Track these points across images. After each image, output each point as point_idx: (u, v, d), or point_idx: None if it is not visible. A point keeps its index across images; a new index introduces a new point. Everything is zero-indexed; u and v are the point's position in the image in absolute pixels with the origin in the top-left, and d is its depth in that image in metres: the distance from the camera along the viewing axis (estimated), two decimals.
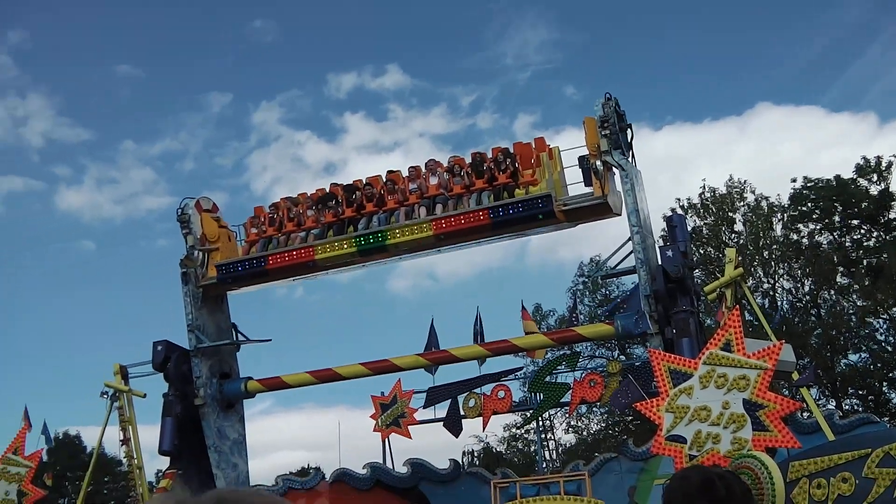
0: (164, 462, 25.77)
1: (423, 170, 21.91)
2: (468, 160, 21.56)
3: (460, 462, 31.87)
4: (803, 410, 23.11)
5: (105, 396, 26.47)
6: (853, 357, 41.71)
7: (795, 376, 18.79)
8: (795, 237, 44.14)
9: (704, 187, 45.78)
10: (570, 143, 22.43)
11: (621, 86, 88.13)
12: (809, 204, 43.49)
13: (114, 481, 59.36)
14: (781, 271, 44.29)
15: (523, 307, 23.56)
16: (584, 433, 47.67)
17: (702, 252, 43.13)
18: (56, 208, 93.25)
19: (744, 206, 45.25)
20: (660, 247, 20.15)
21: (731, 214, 45.04)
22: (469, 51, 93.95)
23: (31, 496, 22.84)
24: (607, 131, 18.61)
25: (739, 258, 22.50)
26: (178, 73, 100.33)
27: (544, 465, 34.38)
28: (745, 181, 45.80)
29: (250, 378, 24.68)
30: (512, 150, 21.23)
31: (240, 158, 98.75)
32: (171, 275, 24.69)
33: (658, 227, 39.78)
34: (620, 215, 19.55)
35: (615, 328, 19.49)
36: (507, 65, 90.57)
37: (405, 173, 22.48)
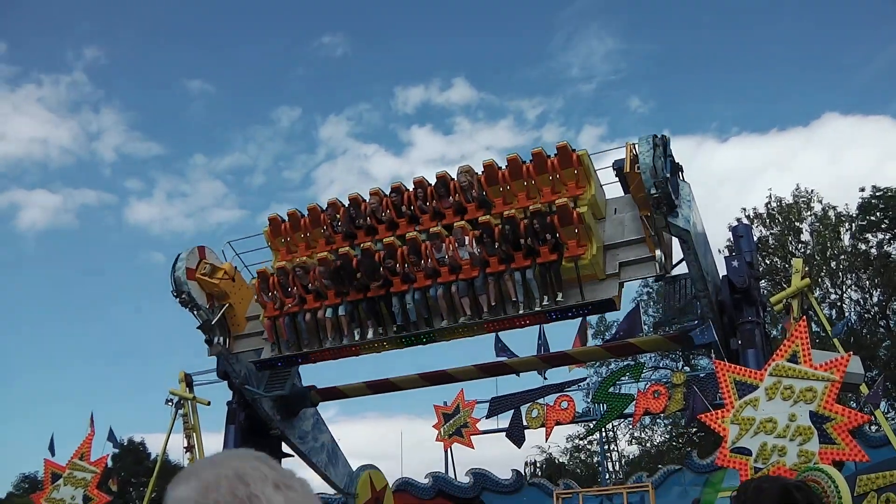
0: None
1: (448, 237, 19.84)
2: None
3: (523, 472, 31.87)
4: (871, 423, 22.81)
5: (170, 404, 26.78)
6: None
7: (864, 389, 18.53)
8: (864, 247, 43.47)
9: (771, 197, 45.34)
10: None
11: (686, 97, 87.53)
12: (878, 213, 42.78)
13: None
14: (849, 282, 43.68)
15: (584, 320, 23.47)
16: (648, 444, 47.35)
17: (768, 262, 42.69)
18: (127, 221, 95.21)
19: (811, 215, 44.72)
20: (725, 257, 19.97)
21: (797, 224, 44.52)
22: (535, 62, 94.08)
23: (97, 501, 23.23)
24: (659, 191, 17.18)
25: (806, 268, 22.27)
26: (248, 88, 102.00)
27: (607, 477, 34.26)
28: (812, 190, 45.30)
29: (314, 387, 24.82)
30: (545, 212, 18.95)
31: (308, 172, 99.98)
32: (263, 261, 24.17)
33: (724, 237, 39.42)
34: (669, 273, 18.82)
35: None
36: (573, 76, 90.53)
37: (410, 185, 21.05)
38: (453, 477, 29.34)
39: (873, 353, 38.18)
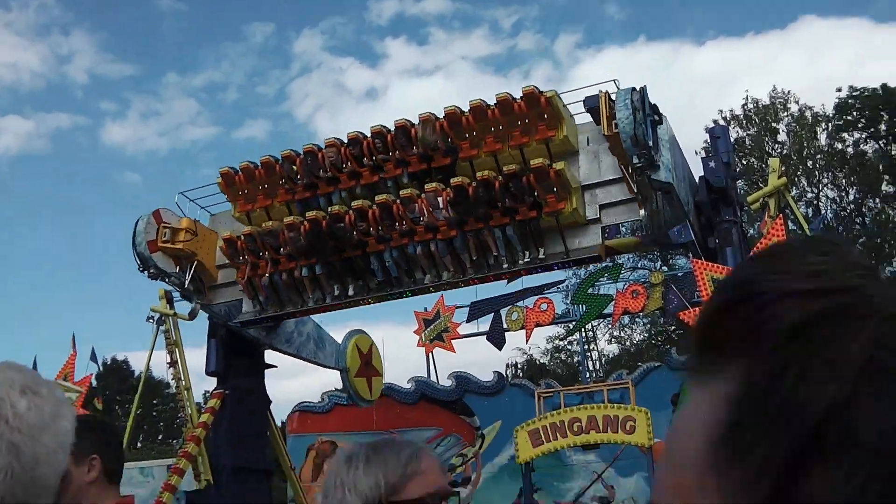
0: (212, 382, 26.37)
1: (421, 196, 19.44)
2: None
3: (504, 374, 32.35)
4: None
5: (151, 321, 26.75)
6: None
7: None
8: (840, 146, 43.63)
9: (747, 98, 45.27)
10: (614, 62, 21.02)
11: (662, 2, 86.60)
12: (855, 113, 42.82)
13: (162, 403, 60.62)
14: (826, 181, 43.92)
15: None
16: (627, 343, 47.95)
17: (745, 163, 42.79)
18: (101, 143, 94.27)
19: (787, 116, 44.74)
20: (702, 158, 20.03)
21: (774, 125, 44.54)
22: None
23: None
24: (642, 161, 16.91)
25: (783, 168, 22.32)
26: (220, 4, 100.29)
27: (588, 376, 34.75)
28: (788, 91, 45.23)
29: None
30: (520, 173, 18.59)
31: (282, 87, 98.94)
32: (217, 203, 24.19)
33: (701, 139, 39.41)
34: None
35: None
36: None
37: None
38: (435, 381, 29.75)
39: None
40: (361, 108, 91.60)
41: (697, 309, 15.23)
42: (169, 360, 26.49)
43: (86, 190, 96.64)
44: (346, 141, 20.40)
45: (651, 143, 16.71)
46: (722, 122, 42.41)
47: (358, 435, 29.55)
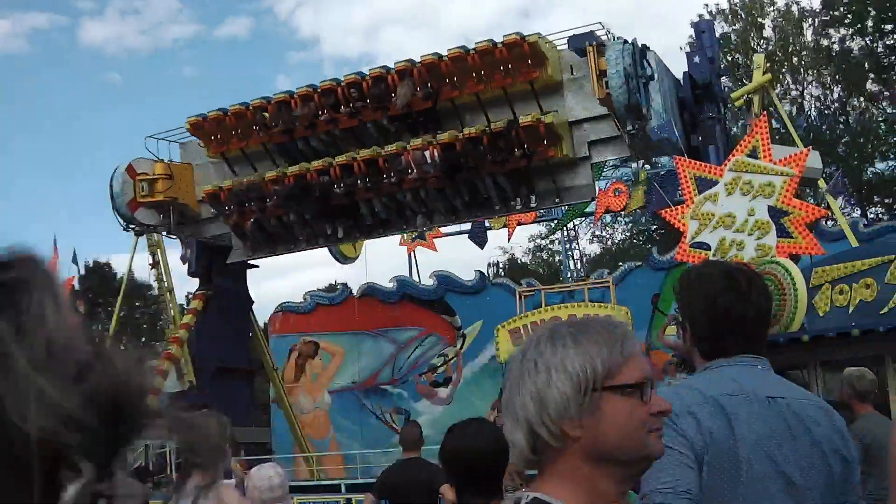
0: (195, 284, 26.36)
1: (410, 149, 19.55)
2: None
3: (486, 273, 32.47)
4: (828, 218, 23.17)
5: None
6: (881, 165, 41.43)
7: (822, 184, 18.72)
8: (826, 43, 43.21)
9: None
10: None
11: None
12: (842, 8, 42.32)
13: (145, 305, 60.76)
14: (810, 78, 43.60)
15: None
16: (609, 243, 48.06)
17: (729, 59, 42.33)
18: (80, 42, 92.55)
19: (773, 10, 44.18)
20: (686, 52, 19.84)
21: (760, 20, 44.00)
22: None
23: None
24: (638, 130, 16.99)
25: (768, 65, 22.11)
26: None
27: (569, 275, 34.84)
28: None
29: None
30: (509, 128, 18.74)
31: None
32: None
33: (686, 34, 38.92)
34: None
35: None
36: None
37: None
38: (417, 280, 29.83)
39: (832, 149, 38.47)
40: (345, 4, 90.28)
41: (680, 207, 15.18)
42: (151, 262, 26.46)
43: (65, 90, 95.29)
44: (319, 89, 20.14)
45: (645, 109, 16.82)
46: (707, 17, 41.89)
47: (340, 335, 29.76)
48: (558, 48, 19.04)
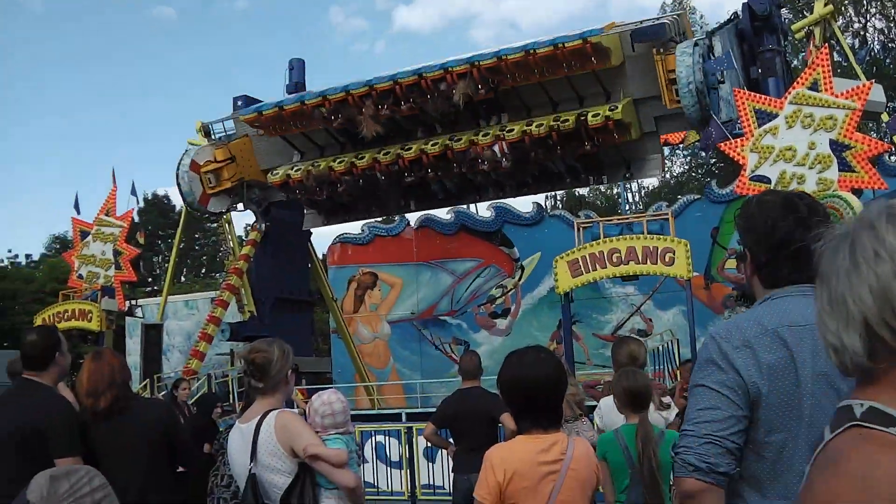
0: (252, 216, 26.81)
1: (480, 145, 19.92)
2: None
3: (543, 206, 32.64)
4: (891, 153, 22.99)
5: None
6: None
7: (885, 117, 18.59)
8: None
9: None
10: None
11: None
12: None
13: (204, 237, 61.59)
14: (874, 10, 42.75)
15: None
16: (667, 176, 47.88)
17: None
18: None
19: None
20: None
21: None
22: None
23: (127, 254, 23.86)
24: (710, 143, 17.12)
25: None
26: None
27: (627, 208, 34.82)
28: None
29: None
30: (577, 127, 19.07)
31: None
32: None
33: None
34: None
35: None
36: None
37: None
38: (475, 212, 30.09)
39: (895, 83, 37.85)
40: None
41: (740, 140, 15.26)
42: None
43: (119, 22, 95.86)
44: (377, 89, 20.24)
45: (716, 116, 16.99)
46: None
47: (398, 266, 30.15)
48: (621, 31, 19.13)
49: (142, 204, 53.66)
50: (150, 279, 58.25)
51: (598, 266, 16.13)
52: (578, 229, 16.81)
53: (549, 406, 3.89)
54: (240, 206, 25.48)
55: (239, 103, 25.24)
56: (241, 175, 23.95)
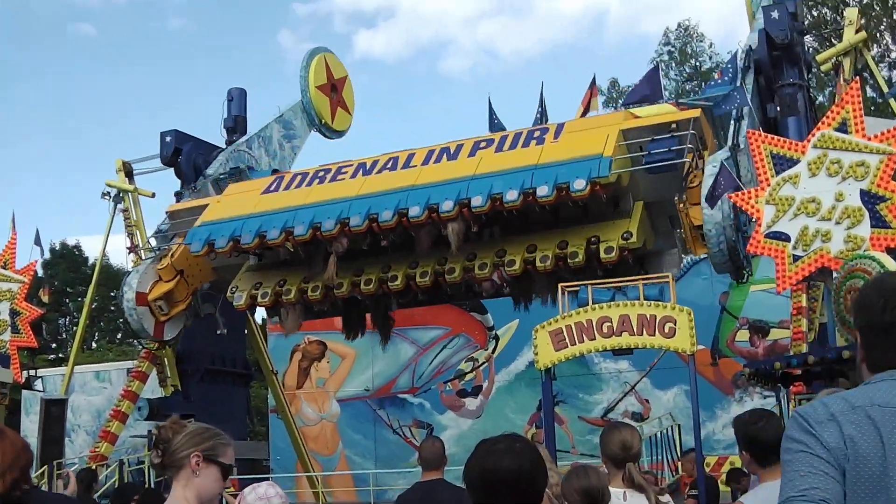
0: None
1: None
2: None
3: None
4: None
5: (107, 198, 26.88)
6: None
7: None
8: None
9: None
10: None
11: None
12: None
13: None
14: None
15: (593, 82, 23.03)
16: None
17: (815, 14, 42.14)
18: None
19: None
20: (764, 6, 19.69)
21: None
22: None
23: (27, 315, 23.22)
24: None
25: (862, 21, 22.03)
26: None
27: None
28: None
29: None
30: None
31: None
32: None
33: None
34: None
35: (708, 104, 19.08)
36: None
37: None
38: None
39: None
40: None
41: (753, 190, 15.18)
42: (129, 245, 26.63)
43: (32, 44, 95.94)
44: (349, 227, 20.31)
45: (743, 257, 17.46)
46: None
47: None
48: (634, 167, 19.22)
49: (47, 255, 53.40)
50: (53, 345, 57.85)
51: (585, 337, 15.94)
52: (563, 293, 16.61)
53: (536, 501, 3.76)
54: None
55: (167, 139, 25.21)
56: (194, 287, 23.79)
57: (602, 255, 18.34)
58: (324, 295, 21.06)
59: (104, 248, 29.45)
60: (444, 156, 20.42)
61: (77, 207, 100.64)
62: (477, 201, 18.56)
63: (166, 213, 24.06)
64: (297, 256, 21.46)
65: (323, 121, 27.63)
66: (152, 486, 22.23)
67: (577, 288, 16.36)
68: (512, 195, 18.30)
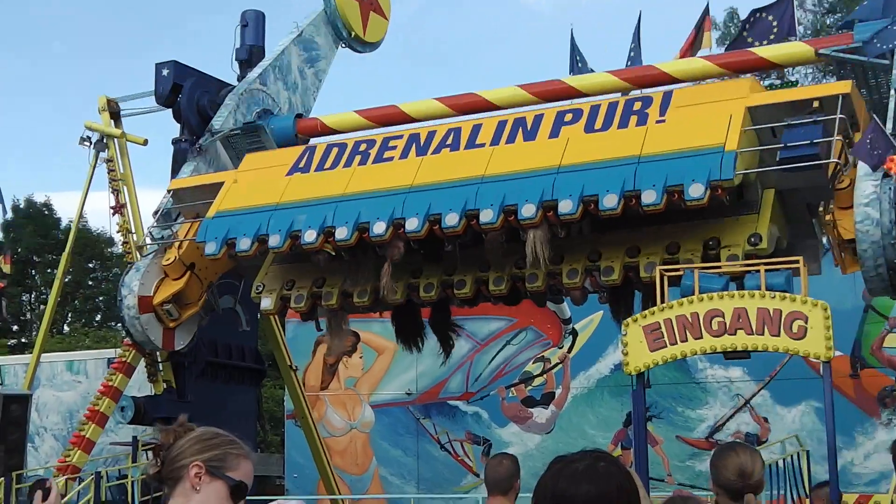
0: None
1: None
2: None
3: None
4: None
5: (87, 144, 26.78)
6: None
7: None
8: None
9: None
10: None
11: None
12: None
13: (103, 267, 61.44)
14: None
15: (706, 12, 22.68)
16: None
17: None
18: None
19: None
20: None
21: None
22: None
23: None
24: None
25: None
26: None
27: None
28: None
29: (301, 116, 24.78)
30: None
31: None
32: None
33: None
34: None
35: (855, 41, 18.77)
36: None
37: None
38: None
39: None
40: None
41: None
42: (114, 203, 26.58)
43: None
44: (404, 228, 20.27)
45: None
46: None
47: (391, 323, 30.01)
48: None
49: (10, 215, 53.67)
50: (15, 327, 58.25)
51: (689, 335, 15.89)
52: (662, 279, 16.56)
53: None
54: None
55: (164, 72, 25.10)
56: (208, 283, 23.57)
57: (724, 268, 18.07)
58: (373, 300, 21.00)
59: (81, 208, 29.56)
60: (520, 131, 19.66)
61: (48, 156, 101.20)
62: (566, 206, 17.80)
63: (168, 191, 23.83)
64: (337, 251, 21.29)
65: (353, 33, 26.99)
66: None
67: (681, 272, 16.30)
68: (610, 201, 17.57)
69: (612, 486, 3.46)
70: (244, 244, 20.25)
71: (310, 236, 19.56)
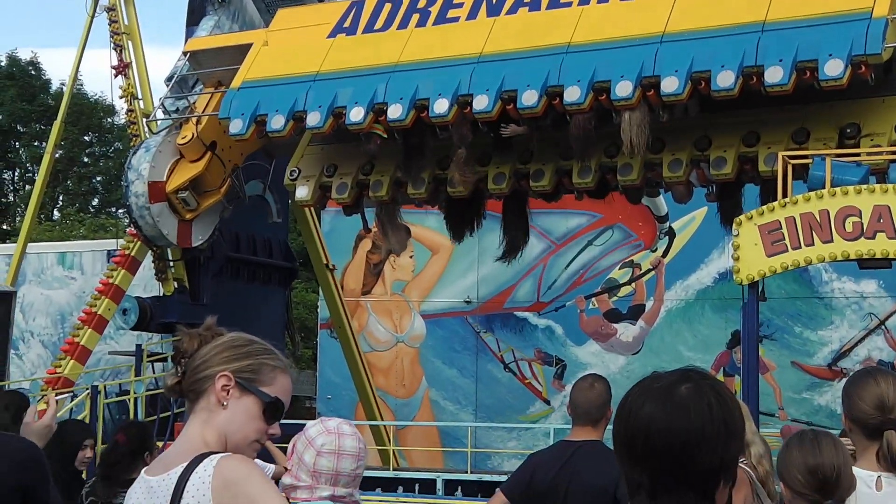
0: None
1: None
2: None
3: None
4: None
5: None
6: None
7: None
8: None
9: None
10: None
11: None
12: None
13: (102, 140, 61.72)
14: None
15: None
16: None
17: None
18: None
19: None
20: None
21: None
22: None
23: None
24: None
25: None
26: None
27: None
28: None
29: None
30: None
31: None
32: None
33: None
34: None
35: None
36: None
37: None
38: None
39: None
40: None
41: None
42: (116, 64, 26.65)
43: None
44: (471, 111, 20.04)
45: None
46: None
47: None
48: None
49: None
50: None
51: (816, 238, 15.77)
52: (785, 167, 16.44)
53: (709, 481, 3.18)
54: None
55: None
56: (232, 166, 23.49)
57: (864, 157, 17.79)
58: (431, 192, 20.91)
59: (77, 67, 29.54)
60: None
61: (35, 3, 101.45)
62: (671, 85, 17.57)
63: (184, 53, 23.77)
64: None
65: None
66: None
67: (810, 160, 16.16)
68: (726, 79, 17.25)
69: (709, 415, 3.17)
70: (277, 122, 20.19)
71: (356, 115, 19.42)
